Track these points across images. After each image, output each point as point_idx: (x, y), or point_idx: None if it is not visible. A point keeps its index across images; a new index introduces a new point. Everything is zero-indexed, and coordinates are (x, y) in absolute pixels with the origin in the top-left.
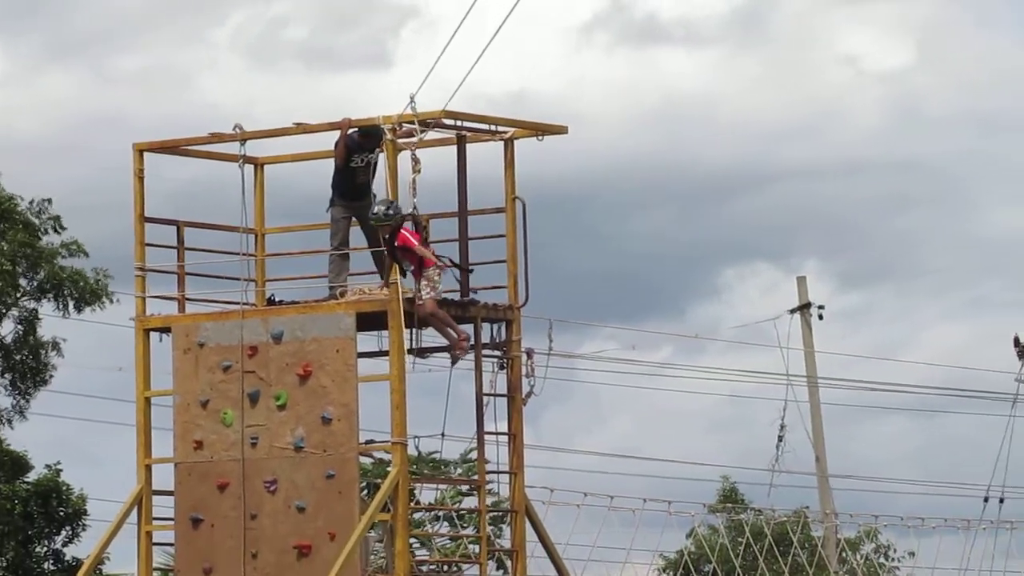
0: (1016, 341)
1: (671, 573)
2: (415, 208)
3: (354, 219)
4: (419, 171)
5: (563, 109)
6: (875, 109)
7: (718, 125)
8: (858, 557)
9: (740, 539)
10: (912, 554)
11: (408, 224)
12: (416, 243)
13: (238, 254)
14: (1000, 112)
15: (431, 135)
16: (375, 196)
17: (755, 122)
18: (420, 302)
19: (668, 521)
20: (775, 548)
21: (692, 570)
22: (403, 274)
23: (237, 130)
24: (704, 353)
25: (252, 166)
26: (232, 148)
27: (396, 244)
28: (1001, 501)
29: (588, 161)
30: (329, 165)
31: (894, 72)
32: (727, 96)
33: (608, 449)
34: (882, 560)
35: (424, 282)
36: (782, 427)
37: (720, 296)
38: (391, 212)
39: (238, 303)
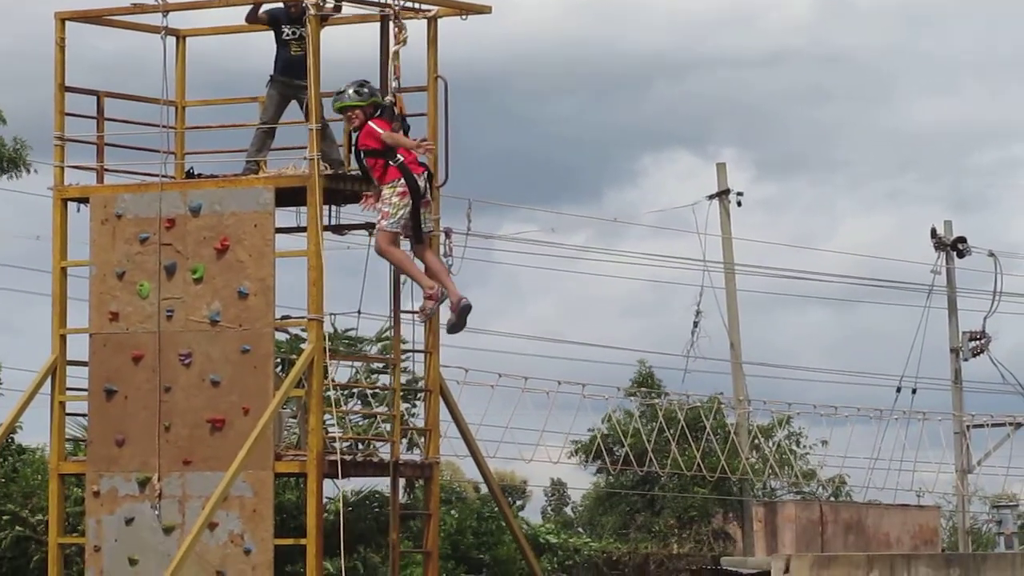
0: (933, 233)
1: (583, 456)
2: (395, 91)
3: (296, 101)
4: (404, 41)
5: None
6: (800, 1)
7: (646, 12)
8: (770, 444)
9: (653, 423)
10: (825, 442)
11: (384, 115)
12: (382, 137)
13: (158, 126)
14: (927, 6)
15: (355, 12)
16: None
17: (683, 10)
18: (377, 229)
19: (582, 404)
20: (688, 433)
21: (604, 452)
22: (367, 181)
23: (160, 1)
24: (622, 238)
25: (174, 38)
26: (155, 20)
27: (360, 141)
28: (913, 392)
29: (512, 44)
30: (252, 39)
31: None
32: None
33: (524, 331)
34: (793, 447)
35: (379, 204)
36: (698, 313)
37: (637, 182)
38: (362, 92)
39: (157, 175)
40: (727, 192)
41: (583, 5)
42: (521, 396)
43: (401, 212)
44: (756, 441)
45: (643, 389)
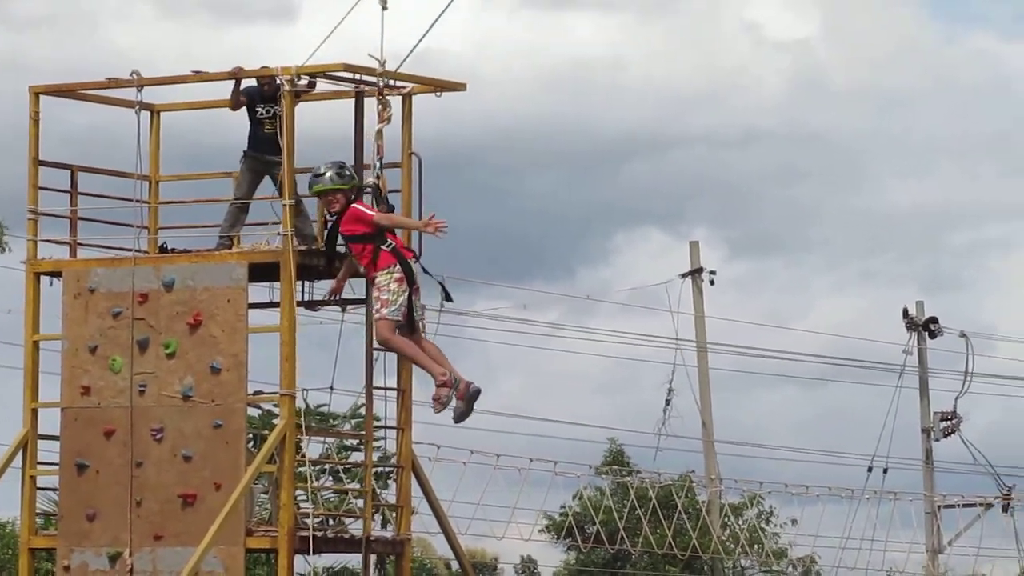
0: (905, 313)
1: (555, 533)
2: (379, 172)
3: (269, 177)
4: (389, 119)
5: (466, 69)
6: (777, 80)
7: (621, 90)
8: (740, 522)
9: (625, 501)
10: (794, 521)
11: (366, 198)
12: (375, 220)
13: (132, 200)
14: (900, 88)
15: (329, 88)
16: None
17: (658, 89)
18: (376, 317)
19: (554, 481)
20: (659, 511)
21: (576, 530)
22: (337, 263)
23: (134, 76)
24: (594, 315)
25: (149, 113)
26: (130, 94)
27: (339, 229)
28: (885, 471)
29: (487, 120)
30: (226, 115)
31: (797, 43)
32: (632, 62)
33: (496, 408)
34: (763, 525)
35: (376, 292)
36: (670, 391)
37: (609, 259)
38: (344, 175)
39: (130, 250)
40: (700, 270)
41: (558, 82)
42: (493, 473)
43: (400, 299)
44: (727, 520)
45: (614, 467)
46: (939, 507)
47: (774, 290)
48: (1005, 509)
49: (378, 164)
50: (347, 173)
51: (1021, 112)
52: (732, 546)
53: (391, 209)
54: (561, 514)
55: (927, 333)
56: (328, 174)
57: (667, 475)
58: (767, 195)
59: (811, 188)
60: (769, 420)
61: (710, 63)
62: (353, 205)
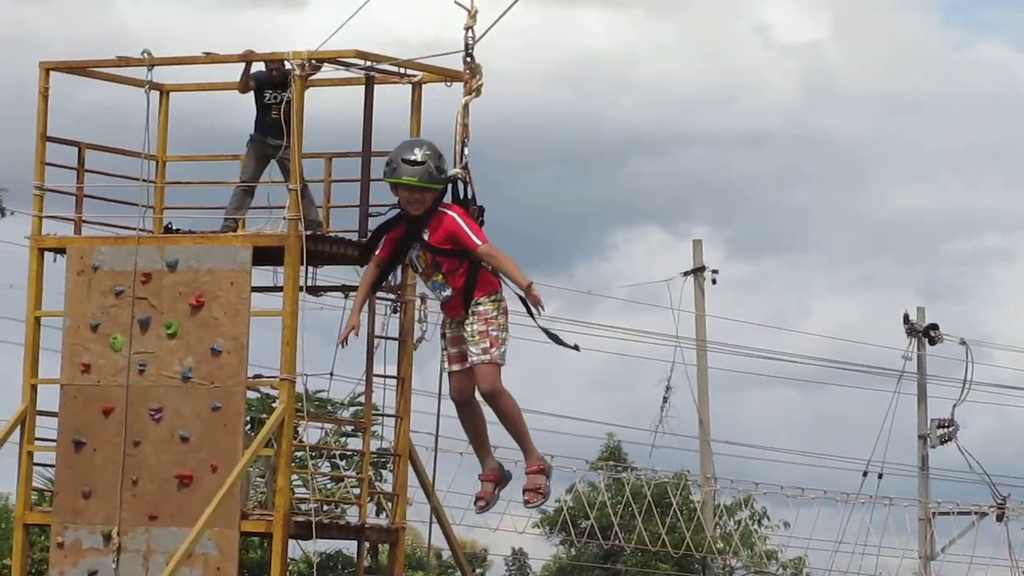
0: (906, 319)
1: (548, 527)
2: (465, 161)
3: (276, 161)
4: (478, 89)
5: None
6: (785, 82)
7: (628, 87)
8: (732, 523)
9: (620, 497)
10: (787, 524)
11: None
12: (470, 234)
13: (138, 180)
14: (907, 92)
15: (340, 75)
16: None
17: (665, 87)
18: (484, 359)
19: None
20: (653, 508)
21: (570, 525)
22: (429, 274)
23: (145, 55)
24: (593, 311)
25: (158, 93)
26: (139, 73)
27: (431, 234)
28: (880, 477)
29: (494, 113)
30: (234, 98)
31: (807, 45)
32: (640, 59)
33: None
34: (755, 527)
35: (478, 324)
36: (668, 388)
37: (609, 256)
38: (442, 171)
39: (135, 229)
40: (702, 269)
41: (565, 78)
42: None
43: (507, 337)
44: (719, 520)
45: (610, 463)
46: (933, 514)
47: (773, 291)
48: (999, 518)
49: (464, 150)
50: (444, 169)
51: None
52: (724, 546)
53: (482, 212)
54: (555, 508)
55: (927, 340)
56: (426, 165)
57: (663, 472)
58: (769, 197)
59: (814, 191)
60: (766, 421)
61: (719, 63)
62: (453, 216)
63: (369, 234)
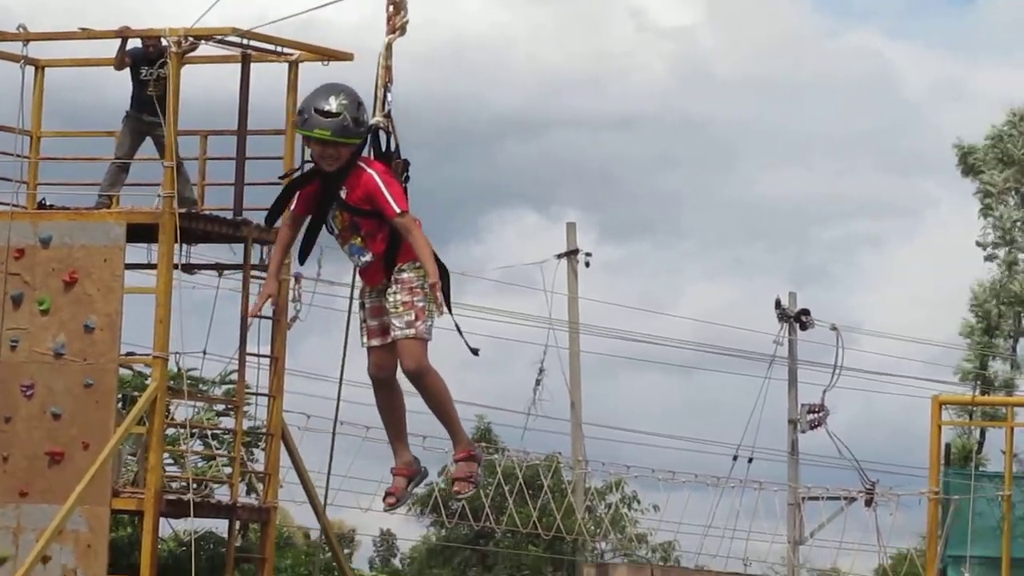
0: (777, 304)
1: (419, 508)
2: (388, 110)
3: (151, 137)
4: (403, 28)
5: (351, 41)
6: (659, 66)
7: (504, 69)
8: (603, 506)
9: (491, 479)
10: (656, 507)
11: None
12: (388, 198)
13: (12, 155)
14: (779, 78)
15: (216, 52)
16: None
17: (540, 70)
18: (408, 334)
19: (422, 456)
20: (525, 491)
21: (441, 506)
22: (347, 237)
23: (21, 30)
24: (466, 293)
25: (33, 68)
26: (15, 48)
27: (348, 192)
28: (750, 461)
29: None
30: (111, 73)
31: (681, 30)
32: (516, 41)
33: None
34: (625, 510)
35: (401, 294)
36: (541, 371)
37: (481, 238)
38: (360, 123)
39: (8, 204)
40: (576, 252)
41: (440, 58)
42: (362, 445)
43: (435, 310)
44: (590, 503)
45: (482, 444)
46: (803, 499)
47: (645, 275)
48: (868, 504)
49: (387, 96)
50: (364, 120)
51: (899, 110)
52: (595, 529)
53: (406, 167)
54: (427, 490)
55: (798, 325)
56: (342, 117)
57: (535, 455)
58: (642, 181)
59: (686, 175)
60: (637, 405)
61: (594, 47)
62: (372, 175)
63: (279, 198)
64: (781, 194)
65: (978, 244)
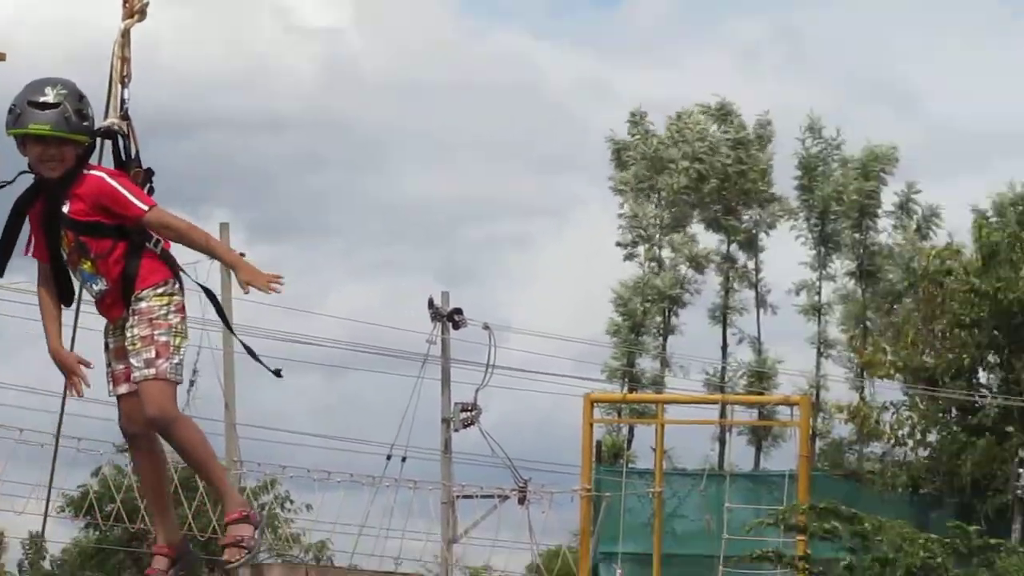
0: (431, 303)
1: (73, 511)
2: (124, 109)
3: None
4: (143, 11)
5: (2, 40)
6: (306, 67)
7: (149, 69)
8: (256, 506)
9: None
10: (309, 507)
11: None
12: (129, 196)
13: None
14: (426, 80)
15: None
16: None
17: (187, 70)
18: (148, 375)
19: (77, 458)
20: (181, 492)
21: (96, 508)
22: (75, 261)
23: None
24: None
25: None
26: None
27: (71, 204)
28: (404, 460)
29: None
30: None
31: (327, 31)
32: (162, 41)
33: (20, 382)
34: (278, 511)
35: (141, 327)
36: (194, 372)
37: None
38: (84, 116)
39: None
40: None
41: (85, 58)
42: (15, 448)
43: (185, 344)
44: (249, 502)
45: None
46: (456, 497)
47: (295, 275)
48: (521, 501)
49: (124, 94)
50: (88, 115)
51: (544, 113)
52: None
53: (149, 177)
54: (82, 492)
55: (451, 324)
56: (62, 107)
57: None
58: (291, 181)
59: (334, 176)
60: (289, 405)
61: (240, 47)
62: (102, 176)
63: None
64: (429, 195)
65: (618, 244)
